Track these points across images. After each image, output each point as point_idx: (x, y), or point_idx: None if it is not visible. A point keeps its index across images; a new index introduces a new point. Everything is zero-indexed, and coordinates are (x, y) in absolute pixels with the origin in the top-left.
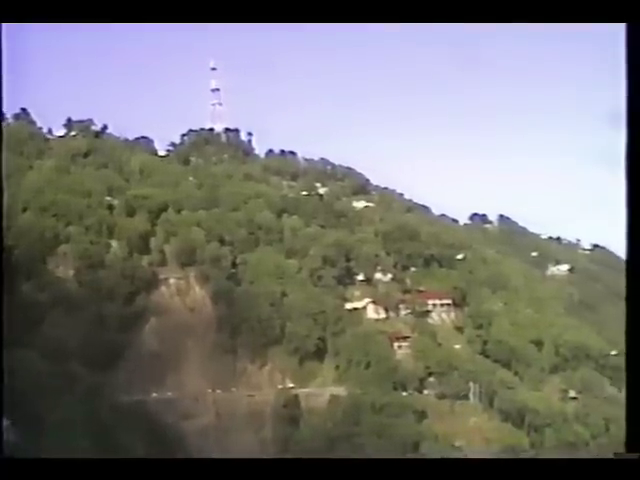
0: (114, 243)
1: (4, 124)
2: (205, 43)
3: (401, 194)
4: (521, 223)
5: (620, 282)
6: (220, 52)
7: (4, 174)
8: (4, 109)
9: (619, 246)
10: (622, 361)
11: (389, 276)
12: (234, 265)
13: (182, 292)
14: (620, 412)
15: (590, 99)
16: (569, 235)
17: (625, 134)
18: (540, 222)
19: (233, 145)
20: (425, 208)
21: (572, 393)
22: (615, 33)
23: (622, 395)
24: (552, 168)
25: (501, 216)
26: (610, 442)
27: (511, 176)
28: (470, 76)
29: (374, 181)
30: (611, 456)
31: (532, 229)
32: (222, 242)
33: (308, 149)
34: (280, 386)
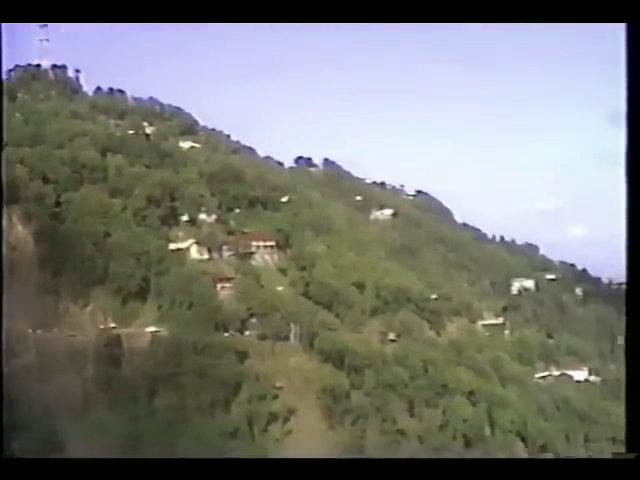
0: None
1: None
2: None
3: (228, 135)
4: (346, 167)
5: (441, 228)
6: None
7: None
8: None
9: (442, 191)
10: (441, 305)
11: (213, 217)
12: (58, 204)
13: (4, 230)
14: (438, 355)
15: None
16: (394, 181)
17: (625, 134)
18: (365, 166)
19: (61, 82)
20: (251, 150)
21: (392, 335)
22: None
23: (441, 338)
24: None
25: (326, 160)
26: (428, 383)
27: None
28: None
29: (202, 122)
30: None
31: (357, 174)
32: (46, 180)
33: (137, 88)
34: (102, 326)
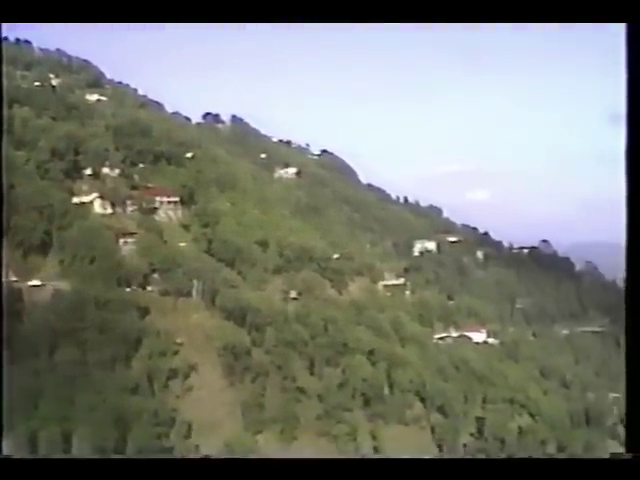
0: None
1: None
2: None
3: (135, 89)
4: (254, 125)
5: (346, 188)
6: None
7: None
8: None
9: (347, 150)
10: (343, 264)
11: (117, 171)
12: None
13: None
14: (339, 314)
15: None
16: (299, 139)
17: (625, 134)
18: (272, 125)
19: None
20: (159, 105)
21: (293, 294)
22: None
23: (342, 297)
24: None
25: (234, 117)
26: (329, 342)
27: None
28: None
29: (110, 75)
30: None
31: (264, 132)
32: None
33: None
34: (3, 280)
